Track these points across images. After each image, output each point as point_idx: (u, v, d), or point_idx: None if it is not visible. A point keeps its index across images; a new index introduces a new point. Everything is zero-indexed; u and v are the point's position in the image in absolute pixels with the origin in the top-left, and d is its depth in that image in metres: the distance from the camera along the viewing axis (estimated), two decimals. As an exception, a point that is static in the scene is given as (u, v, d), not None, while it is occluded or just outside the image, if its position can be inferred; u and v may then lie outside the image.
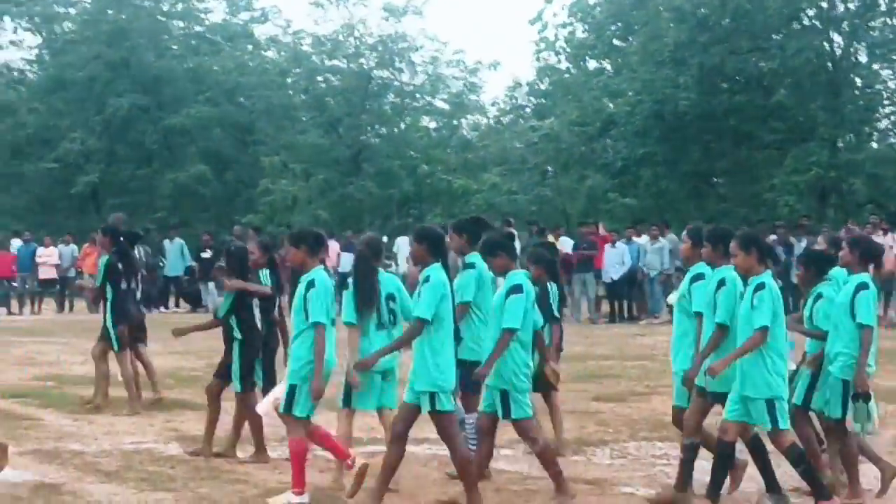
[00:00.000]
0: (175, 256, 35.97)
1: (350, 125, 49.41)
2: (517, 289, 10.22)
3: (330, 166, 48.36)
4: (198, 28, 56.39)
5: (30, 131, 52.45)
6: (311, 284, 10.23)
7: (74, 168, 51.20)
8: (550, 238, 27.79)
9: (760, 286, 9.83)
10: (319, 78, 51.62)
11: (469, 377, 10.42)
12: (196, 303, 35.70)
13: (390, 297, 10.88)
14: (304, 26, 54.70)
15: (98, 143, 51.32)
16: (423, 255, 10.04)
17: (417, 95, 52.30)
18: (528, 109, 54.39)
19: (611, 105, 43.09)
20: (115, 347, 15.74)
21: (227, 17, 56.97)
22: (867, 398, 10.39)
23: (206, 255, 34.84)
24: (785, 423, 9.90)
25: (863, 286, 10.55)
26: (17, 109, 53.25)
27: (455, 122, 53.69)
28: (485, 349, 10.35)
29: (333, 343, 10.39)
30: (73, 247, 37.17)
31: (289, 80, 53.30)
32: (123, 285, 15.86)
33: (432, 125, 54.34)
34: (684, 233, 11.26)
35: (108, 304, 15.77)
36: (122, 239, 16.17)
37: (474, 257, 11.09)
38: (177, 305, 36.28)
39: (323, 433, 10.58)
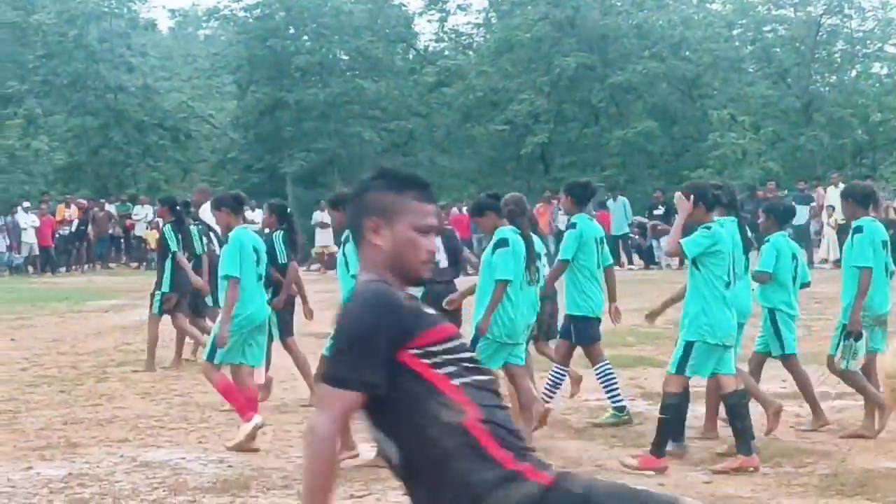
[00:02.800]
0: (619, 215, 36.00)
1: (799, 75, 48.17)
2: (503, 243, 10.62)
3: (779, 118, 47.28)
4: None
5: (479, 94, 53.47)
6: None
7: (523, 129, 51.85)
8: None
9: None
10: (766, 28, 50.49)
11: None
12: (650, 260, 35.79)
13: (537, 257, 11.37)
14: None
15: (546, 104, 51.78)
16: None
17: (867, 41, 50.52)
18: None
19: None
20: (157, 311, 16.00)
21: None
22: (858, 337, 10.88)
23: (659, 211, 34.74)
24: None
25: (857, 230, 11.02)
26: (466, 73, 54.45)
27: (909, 66, 51.55)
28: (478, 304, 10.65)
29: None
30: (526, 207, 37.61)
31: (734, 32, 52.34)
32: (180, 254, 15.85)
33: (884, 71, 52.33)
34: None
35: (166, 271, 15.92)
36: (178, 209, 16.20)
37: (577, 218, 11.91)
38: (630, 263, 36.28)
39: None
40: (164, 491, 9.28)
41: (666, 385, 9.91)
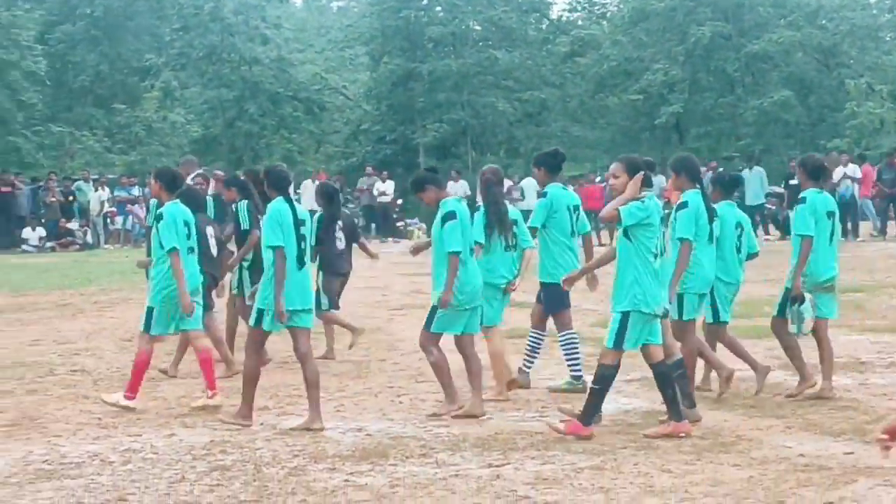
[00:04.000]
0: (755, 185, 35.51)
1: (939, 42, 47.16)
2: (450, 216, 10.89)
3: (918, 87, 46.38)
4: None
5: (613, 64, 53.18)
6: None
7: (657, 99, 51.48)
8: None
9: None
10: (907, -5, 49.52)
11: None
12: (787, 230, 35.25)
13: (514, 223, 12.05)
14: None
15: (681, 73, 51.32)
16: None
17: None
18: None
19: None
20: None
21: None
22: (801, 301, 11.42)
23: (794, 181, 34.25)
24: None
25: (800, 201, 11.62)
26: (600, 43, 54.15)
27: None
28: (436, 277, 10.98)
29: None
30: (661, 177, 37.35)
31: (872, 0, 51.38)
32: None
33: None
34: None
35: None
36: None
37: (549, 187, 12.27)
38: (767, 233, 35.82)
39: None
40: (304, 458, 9.38)
41: (602, 357, 10.06)
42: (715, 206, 11.48)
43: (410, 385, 12.44)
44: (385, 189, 41.52)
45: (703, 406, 11.14)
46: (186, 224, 11.65)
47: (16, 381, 13.28)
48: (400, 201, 42.80)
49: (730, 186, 12.25)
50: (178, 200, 11.77)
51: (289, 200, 10.81)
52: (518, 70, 53.89)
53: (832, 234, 11.68)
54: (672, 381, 10.08)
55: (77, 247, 38.38)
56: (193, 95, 54.99)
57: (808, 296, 11.48)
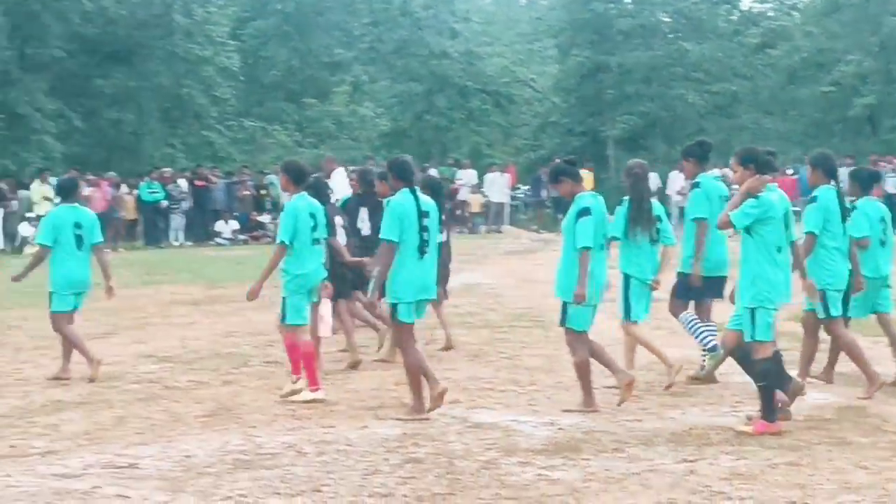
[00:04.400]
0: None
1: None
2: (586, 212, 10.79)
3: None
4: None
5: (804, 55, 52.24)
6: None
7: (850, 90, 50.37)
8: None
9: None
10: None
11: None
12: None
13: (658, 219, 12.03)
14: None
15: (874, 64, 50.14)
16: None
17: None
18: None
19: None
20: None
21: None
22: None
23: None
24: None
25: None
26: (791, 34, 53.27)
27: None
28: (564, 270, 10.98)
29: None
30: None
31: None
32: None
33: None
34: None
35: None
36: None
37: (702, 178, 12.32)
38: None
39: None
40: (496, 452, 9.38)
41: (754, 353, 10.01)
42: (856, 201, 11.74)
43: (600, 380, 12.36)
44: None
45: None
46: (313, 216, 11.87)
47: (212, 373, 13.53)
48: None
49: (867, 181, 12.33)
50: (304, 193, 11.94)
51: (413, 192, 10.91)
52: (708, 62, 53.28)
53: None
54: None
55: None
56: (382, 89, 55.49)
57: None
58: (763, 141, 50.35)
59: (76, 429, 10.63)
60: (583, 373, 10.98)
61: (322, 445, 9.70)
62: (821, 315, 11.41)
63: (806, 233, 11.26)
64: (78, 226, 13.44)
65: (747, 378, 12.03)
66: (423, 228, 10.76)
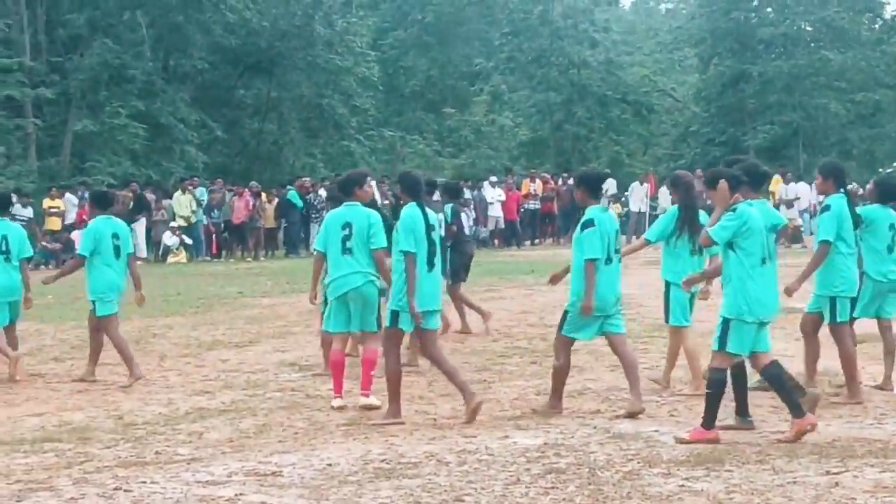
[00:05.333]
0: None
1: None
2: (590, 223, 11.14)
3: None
4: None
5: (952, 63, 51.37)
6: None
7: None
8: None
9: None
10: None
11: None
12: None
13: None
14: None
15: None
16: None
17: None
18: None
19: None
20: None
21: None
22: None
23: None
24: None
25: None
26: None
27: None
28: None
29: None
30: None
31: None
32: None
33: None
34: None
35: None
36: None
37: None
38: None
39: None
40: (638, 463, 9.31)
41: (711, 361, 10.14)
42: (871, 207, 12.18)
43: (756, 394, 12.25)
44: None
45: None
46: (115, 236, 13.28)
47: (353, 381, 13.59)
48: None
49: (887, 191, 12.46)
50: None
51: (421, 206, 11.17)
52: (851, 71, 52.59)
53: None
54: (784, 380, 10.18)
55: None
56: (522, 99, 55.53)
57: None
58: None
59: (220, 436, 10.76)
60: (557, 378, 11.39)
61: (463, 455, 9.70)
62: (828, 320, 11.68)
63: (820, 241, 11.57)
64: (116, 237, 14.03)
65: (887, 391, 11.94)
66: (431, 241, 11.14)
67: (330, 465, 9.47)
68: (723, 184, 10.09)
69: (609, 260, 11.19)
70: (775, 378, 10.17)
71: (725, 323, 10.00)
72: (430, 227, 11.13)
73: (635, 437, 10.24)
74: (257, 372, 14.24)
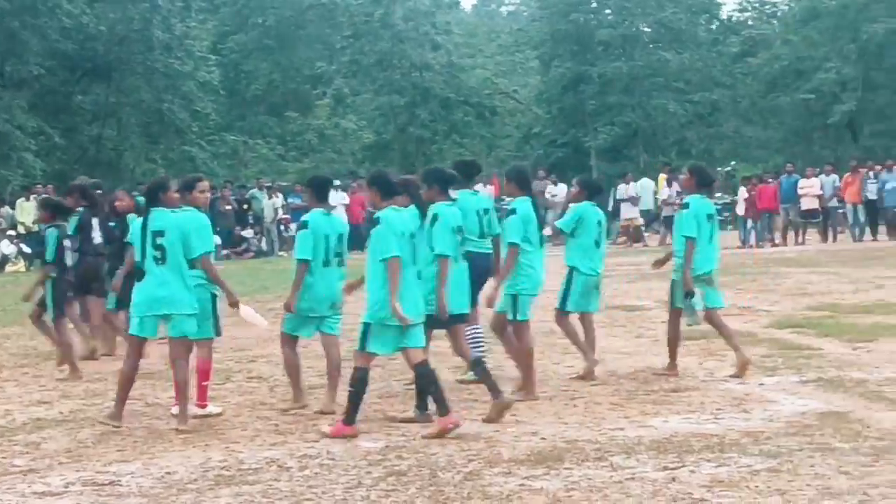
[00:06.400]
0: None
1: None
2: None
3: None
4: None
5: (784, 63, 52.47)
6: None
7: (830, 98, 50.60)
8: None
9: None
10: None
11: None
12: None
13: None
14: None
15: (853, 72, 50.36)
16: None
17: None
18: None
19: None
20: None
21: None
22: (691, 295, 12.66)
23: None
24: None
25: (684, 206, 12.92)
26: (771, 43, 53.51)
27: None
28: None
29: None
30: (834, 177, 36.82)
31: None
32: None
33: None
34: None
35: None
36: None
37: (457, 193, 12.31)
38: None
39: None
40: (479, 463, 9.36)
41: (355, 360, 10.57)
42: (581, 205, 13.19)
43: (584, 388, 12.36)
44: (557, 192, 41.43)
45: (882, 407, 10.89)
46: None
47: (193, 389, 13.47)
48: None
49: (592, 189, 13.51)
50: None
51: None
52: (688, 71, 53.55)
53: (712, 234, 13.06)
54: (434, 379, 10.51)
55: (251, 254, 38.99)
56: (365, 102, 55.54)
57: (697, 290, 12.66)
58: (745, 149, 50.83)
59: (58, 446, 10.58)
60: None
61: (305, 460, 9.67)
62: (510, 317, 12.15)
63: (509, 244, 11.98)
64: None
65: (727, 385, 12.16)
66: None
67: (169, 473, 9.38)
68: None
69: (327, 263, 11.60)
70: (423, 376, 10.57)
71: (366, 326, 10.41)
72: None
73: (476, 437, 10.28)
74: (96, 381, 14.03)
